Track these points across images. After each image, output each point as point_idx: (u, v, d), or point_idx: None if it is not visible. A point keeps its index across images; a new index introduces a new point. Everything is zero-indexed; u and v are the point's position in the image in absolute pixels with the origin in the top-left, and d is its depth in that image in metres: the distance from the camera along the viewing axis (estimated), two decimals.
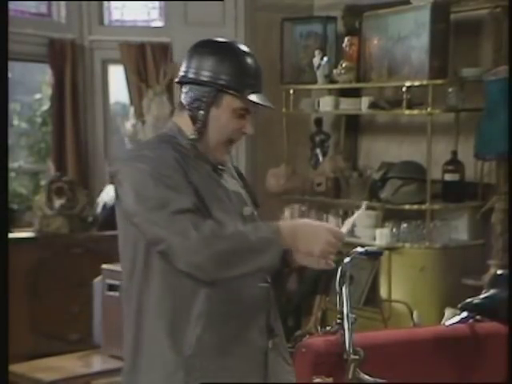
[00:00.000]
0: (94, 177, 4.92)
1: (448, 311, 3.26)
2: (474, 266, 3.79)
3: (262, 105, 1.78)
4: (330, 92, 4.51)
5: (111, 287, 3.30)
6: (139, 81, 4.86)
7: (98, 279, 3.39)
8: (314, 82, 4.45)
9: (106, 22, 5.04)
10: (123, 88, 4.96)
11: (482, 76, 3.70)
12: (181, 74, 1.82)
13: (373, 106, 4.15)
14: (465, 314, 2.68)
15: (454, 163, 3.91)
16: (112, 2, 5.05)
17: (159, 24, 5.09)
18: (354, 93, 4.33)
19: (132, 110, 4.89)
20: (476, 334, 2.64)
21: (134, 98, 4.90)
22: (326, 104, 4.36)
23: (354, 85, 4.25)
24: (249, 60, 1.78)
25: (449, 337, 2.63)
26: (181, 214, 1.63)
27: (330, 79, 4.37)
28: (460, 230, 3.94)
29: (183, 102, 1.78)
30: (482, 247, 3.88)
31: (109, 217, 4.60)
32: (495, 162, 3.80)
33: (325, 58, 4.40)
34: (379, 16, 4.14)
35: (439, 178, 3.93)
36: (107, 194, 4.72)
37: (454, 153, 3.94)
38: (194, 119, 1.76)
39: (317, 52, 4.43)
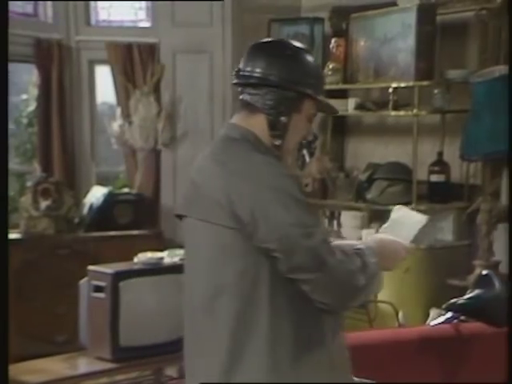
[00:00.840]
0: (80, 178, 4.90)
1: (433, 312, 3.28)
2: (460, 266, 3.81)
3: (334, 109, 1.82)
4: None
5: (97, 288, 3.28)
6: (126, 81, 4.85)
7: (83, 280, 3.38)
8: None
9: (92, 22, 5.02)
10: (110, 88, 4.95)
11: (467, 78, 3.72)
12: (252, 74, 1.71)
13: (359, 107, 4.16)
14: (449, 314, 2.69)
15: (440, 164, 3.93)
16: (99, 2, 5.03)
17: (146, 24, 5.08)
18: (341, 94, 4.34)
19: (119, 110, 4.88)
20: (460, 335, 2.66)
21: (120, 98, 4.89)
22: None
23: (341, 86, 4.26)
24: (314, 62, 1.76)
25: (434, 337, 2.64)
26: (326, 244, 1.61)
27: None
28: (446, 230, 3.96)
29: (256, 104, 1.70)
30: (468, 248, 3.90)
31: (95, 218, 4.59)
32: (481, 163, 3.82)
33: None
34: (366, 18, 4.15)
35: (425, 178, 3.95)
36: (93, 195, 4.71)
37: (440, 154, 3.96)
38: (272, 124, 1.70)
39: None
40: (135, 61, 4.88)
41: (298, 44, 1.77)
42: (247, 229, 1.61)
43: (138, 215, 4.68)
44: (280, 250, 1.59)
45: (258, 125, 1.71)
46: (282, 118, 1.69)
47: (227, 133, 1.76)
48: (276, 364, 1.62)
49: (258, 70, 1.70)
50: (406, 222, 1.75)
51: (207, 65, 4.91)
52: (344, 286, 1.59)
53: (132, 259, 3.54)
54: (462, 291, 2.93)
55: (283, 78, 1.68)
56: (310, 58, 1.74)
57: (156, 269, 3.52)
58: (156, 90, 4.87)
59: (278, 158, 1.71)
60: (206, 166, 1.75)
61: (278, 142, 1.70)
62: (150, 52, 4.88)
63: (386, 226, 1.79)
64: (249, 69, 1.71)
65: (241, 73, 1.74)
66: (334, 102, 4.28)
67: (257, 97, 1.69)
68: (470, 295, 2.69)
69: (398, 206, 1.84)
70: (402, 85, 3.85)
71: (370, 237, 1.79)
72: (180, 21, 4.87)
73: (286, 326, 1.62)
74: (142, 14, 5.12)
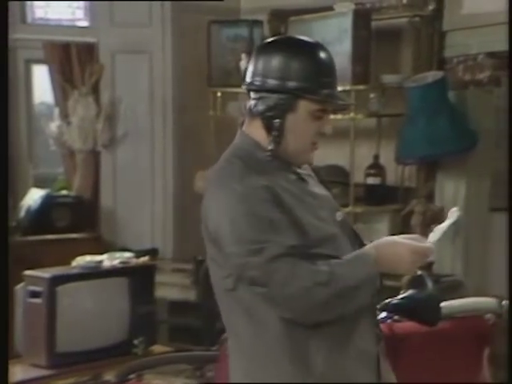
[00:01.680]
0: (17, 180, 4.81)
1: None
2: None
3: (338, 103, 1.69)
4: None
5: (34, 294, 3.24)
6: (64, 81, 4.79)
7: (20, 286, 3.32)
8: (241, 85, 4.47)
9: (28, 20, 4.93)
10: (48, 88, 4.87)
11: (402, 82, 3.81)
12: (248, 79, 1.69)
13: None
14: (384, 314, 2.76)
15: (376, 167, 4.01)
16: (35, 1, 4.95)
17: (84, 24, 5.02)
18: None
19: (57, 110, 4.81)
20: (394, 334, 2.72)
21: (58, 98, 4.82)
22: None
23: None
24: (321, 56, 1.66)
25: None
26: (278, 260, 1.56)
27: None
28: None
29: (254, 110, 1.66)
30: None
31: (32, 221, 4.52)
32: (415, 166, 3.92)
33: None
34: (304, 21, 4.20)
35: (362, 181, 4.03)
36: (31, 198, 4.63)
37: (376, 157, 4.04)
38: (268, 128, 1.65)
39: (243, 55, 4.45)
40: (73, 60, 4.81)
41: (293, 39, 1.71)
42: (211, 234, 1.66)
43: (77, 218, 4.62)
44: (233, 266, 1.61)
45: (257, 130, 1.69)
46: (276, 121, 1.65)
47: (235, 140, 1.76)
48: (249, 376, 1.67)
49: (249, 75, 1.70)
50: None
51: (147, 65, 4.88)
52: (298, 300, 1.57)
53: (70, 263, 3.50)
54: (397, 291, 3.00)
55: (268, 79, 1.64)
56: (303, 54, 1.64)
57: (95, 272, 3.49)
58: (95, 90, 4.82)
59: (276, 163, 1.67)
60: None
61: (271, 147, 1.66)
62: (89, 52, 4.83)
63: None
64: (249, 74, 1.71)
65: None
66: None
67: (254, 101, 1.67)
68: (404, 295, 2.76)
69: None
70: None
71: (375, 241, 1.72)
72: (119, 21, 4.83)
73: (269, 338, 1.64)
74: (80, 13, 5.05)
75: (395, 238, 1.68)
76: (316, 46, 1.69)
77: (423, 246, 1.65)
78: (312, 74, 1.64)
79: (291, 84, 1.63)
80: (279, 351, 1.63)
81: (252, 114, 1.68)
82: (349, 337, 1.67)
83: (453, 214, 1.76)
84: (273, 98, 1.64)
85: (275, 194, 1.62)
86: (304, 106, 1.65)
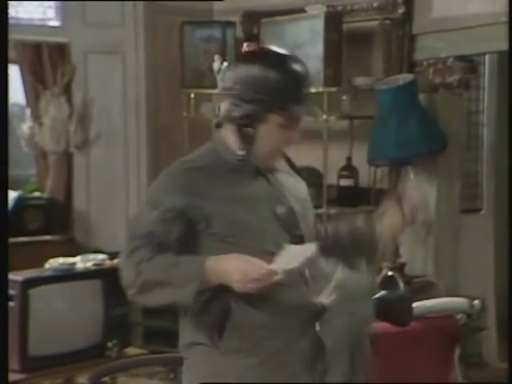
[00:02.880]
0: None
1: None
2: None
3: (309, 117, 1.82)
4: None
5: None
6: (36, 82, 4.74)
7: None
8: (215, 86, 4.48)
9: None
10: (20, 89, 4.82)
11: (373, 85, 3.84)
12: (225, 85, 1.77)
13: None
14: None
15: (349, 169, 4.04)
16: None
17: (56, 23, 4.97)
18: None
19: (28, 111, 4.77)
20: None
21: (30, 99, 4.78)
22: None
23: None
24: (296, 71, 1.74)
25: None
26: (131, 240, 1.72)
27: None
28: None
29: (230, 115, 1.75)
30: None
31: None
32: (387, 168, 3.96)
33: (225, 63, 4.44)
34: (276, 23, 4.21)
35: (335, 183, 4.05)
36: None
37: (349, 159, 4.07)
38: (241, 135, 1.75)
39: (216, 57, 4.45)
40: (45, 61, 4.77)
41: (270, 52, 1.78)
42: None
43: (50, 220, 4.59)
44: None
45: (231, 134, 1.77)
46: (249, 130, 1.74)
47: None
48: None
49: (232, 80, 1.76)
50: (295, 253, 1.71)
51: (120, 66, 4.86)
52: (130, 276, 1.71)
53: (43, 266, 3.48)
54: None
55: (246, 90, 1.72)
56: (277, 70, 1.71)
57: (68, 275, 3.48)
58: (67, 90, 4.78)
59: (243, 168, 1.75)
60: None
61: (240, 152, 1.75)
62: (60, 52, 4.79)
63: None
64: (226, 79, 1.78)
65: None
66: None
67: (231, 107, 1.75)
68: (376, 296, 2.80)
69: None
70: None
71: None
72: (91, 20, 4.80)
73: None
74: (51, 13, 5.00)
75: (237, 257, 1.69)
76: (293, 61, 1.76)
77: (254, 265, 1.65)
78: (285, 90, 1.72)
79: (265, 98, 1.71)
80: None
81: (228, 117, 1.77)
82: (282, 337, 1.73)
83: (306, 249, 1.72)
84: (248, 108, 1.73)
85: (205, 192, 1.71)
86: (274, 119, 1.73)
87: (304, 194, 1.90)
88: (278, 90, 1.71)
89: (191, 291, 1.65)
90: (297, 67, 1.76)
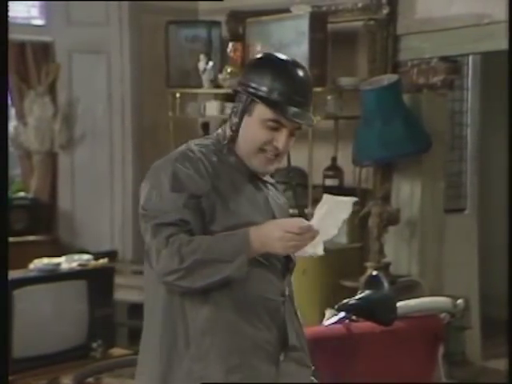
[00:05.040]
0: None
1: (328, 312, 3.38)
2: (353, 268, 3.95)
3: (292, 120, 1.71)
4: (215, 97, 4.55)
5: None
6: (20, 81, 4.72)
7: None
8: (200, 86, 4.48)
9: None
10: None
11: (358, 85, 3.85)
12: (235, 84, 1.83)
13: None
14: (342, 314, 2.80)
15: (334, 169, 4.05)
16: None
17: (40, 22, 4.95)
18: None
19: (13, 111, 4.74)
20: (351, 334, 2.76)
21: (14, 98, 4.75)
22: (212, 109, 4.41)
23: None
24: (292, 73, 1.73)
25: (327, 336, 2.73)
26: (163, 227, 1.68)
27: (215, 84, 4.42)
28: (339, 233, 4.05)
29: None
30: (360, 250, 4.05)
31: None
32: (372, 168, 3.98)
33: (210, 63, 4.44)
34: (262, 23, 4.22)
35: (320, 183, 4.06)
36: None
37: (334, 159, 4.09)
38: (230, 125, 1.77)
39: (202, 56, 4.46)
40: (29, 60, 4.75)
41: (276, 55, 1.79)
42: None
43: (34, 220, 4.57)
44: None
45: (228, 126, 1.80)
46: (235, 120, 1.75)
47: None
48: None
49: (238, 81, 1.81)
50: (333, 211, 1.70)
51: (104, 65, 4.85)
52: (165, 266, 1.66)
53: (28, 266, 3.47)
54: (355, 292, 3.05)
55: (239, 82, 1.76)
56: (274, 66, 1.73)
57: (53, 275, 3.46)
58: (51, 90, 4.77)
59: (232, 158, 1.77)
60: None
61: (225, 142, 1.77)
62: (45, 51, 4.77)
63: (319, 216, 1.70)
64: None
65: None
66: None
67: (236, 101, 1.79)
68: (361, 296, 2.81)
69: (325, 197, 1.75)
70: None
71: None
72: (75, 20, 4.79)
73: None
74: (36, 12, 4.98)
75: (275, 220, 1.72)
76: (291, 64, 1.76)
77: (292, 222, 1.67)
78: (272, 85, 1.71)
79: (250, 88, 1.72)
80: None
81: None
82: (242, 335, 1.72)
83: (328, 200, 1.72)
84: (238, 99, 1.76)
85: (208, 178, 1.72)
86: (258, 112, 1.73)
87: (282, 200, 1.90)
88: (266, 82, 1.71)
89: (243, 262, 1.65)
90: (294, 69, 1.74)
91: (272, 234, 1.65)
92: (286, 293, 1.80)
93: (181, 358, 1.71)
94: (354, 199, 1.76)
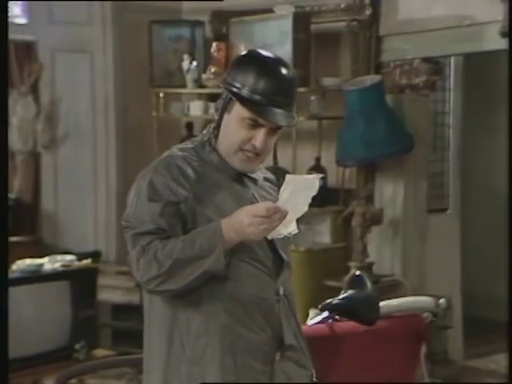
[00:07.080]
0: None
1: (312, 312, 3.39)
2: (336, 268, 3.97)
3: (271, 121, 1.70)
4: (199, 96, 4.55)
5: None
6: None
7: None
8: (184, 85, 4.48)
9: None
10: None
11: (341, 85, 3.87)
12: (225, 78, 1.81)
13: None
14: (325, 313, 2.81)
15: (318, 169, 4.05)
16: None
17: (22, 21, 4.92)
18: None
19: None
20: (334, 333, 2.77)
21: None
22: (196, 108, 4.41)
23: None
24: (276, 73, 1.72)
25: (310, 336, 2.74)
26: (140, 236, 1.69)
27: (199, 84, 4.42)
28: (323, 233, 4.10)
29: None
30: (343, 250, 4.07)
31: None
32: (355, 168, 4.00)
33: (194, 63, 4.43)
34: (245, 23, 4.22)
35: None
36: None
37: (318, 159, 4.10)
38: (212, 123, 1.78)
39: (186, 56, 4.45)
40: (11, 59, 4.71)
41: (261, 53, 1.78)
42: None
43: (17, 221, 4.54)
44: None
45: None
46: (216, 117, 1.76)
47: None
48: None
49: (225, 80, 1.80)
50: (300, 190, 1.69)
51: (88, 64, 4.83)
52: (144, 271, 1.68)
53: (10, 267, 3.45)
54: (338, 292, 3.07)
55: (224, 79, 1.75)
56: (256, 65, 1.72)
57: (35, 276, 3.45)
58: (34, 89, 4.74)
59: (215, 157, 1.76)
60: None
61: (205, 138, 1.77)
62: (27, 50, 4.74)
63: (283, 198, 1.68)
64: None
65: None
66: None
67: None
68: (344, 295, 2.82)
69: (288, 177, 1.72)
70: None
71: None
72: (58, 19, 4.76)
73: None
74: (17, 10, 4.94)
75: (243, 207, 1.69)
76: (275, 64, 1.76)
77: (259, 206, 1.67)
78: (252, 84, 1.70)
79: (230, 86, 1.72)
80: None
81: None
82: (238, 333, 1.72)
83: (291, 180, 1.69)
84: (221, 97, 1.75)
85: (187, 181, 1.72)
86: (237, 110, 1.72)
87: (274, 195, 1.84)
88: (246, 81, 1.70)
89: (220, 254, 1.65)
90: (277, 70, 1.74)
91: (242, 222, 1.65)
92: (281, 292, 1.79)
93: (179, 361, 1.73)
94: (320, 175, 1.75)
